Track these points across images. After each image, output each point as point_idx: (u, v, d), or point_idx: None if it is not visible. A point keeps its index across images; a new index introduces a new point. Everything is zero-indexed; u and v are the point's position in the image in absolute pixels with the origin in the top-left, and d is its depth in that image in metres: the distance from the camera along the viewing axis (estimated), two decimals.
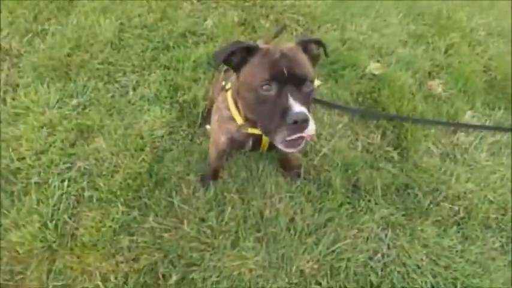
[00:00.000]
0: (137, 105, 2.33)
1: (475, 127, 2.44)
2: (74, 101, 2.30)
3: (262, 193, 2.09)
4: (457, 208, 2.13)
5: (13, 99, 2.29)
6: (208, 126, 2.29)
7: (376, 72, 2.60)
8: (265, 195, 2.09)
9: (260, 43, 1.60)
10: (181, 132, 2.27)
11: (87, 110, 2.28)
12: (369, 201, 2.12)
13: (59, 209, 1.90)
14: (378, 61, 2.68)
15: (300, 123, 1.22)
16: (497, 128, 2.46)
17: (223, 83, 1.70)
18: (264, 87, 1.27)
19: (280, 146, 1.29)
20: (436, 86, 2.61)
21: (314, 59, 1.43)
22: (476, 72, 2.68)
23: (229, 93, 1.59)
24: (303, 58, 1.35)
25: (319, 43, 1.44)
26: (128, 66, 2.48)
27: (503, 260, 1.98)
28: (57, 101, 2.28)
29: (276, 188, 2.11)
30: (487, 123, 2.50)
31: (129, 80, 2.44)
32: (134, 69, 2.49)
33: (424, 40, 2.83)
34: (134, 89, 2.42)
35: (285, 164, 2.16)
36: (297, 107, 1.22)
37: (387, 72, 2.60)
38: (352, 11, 2.87)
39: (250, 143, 1.64)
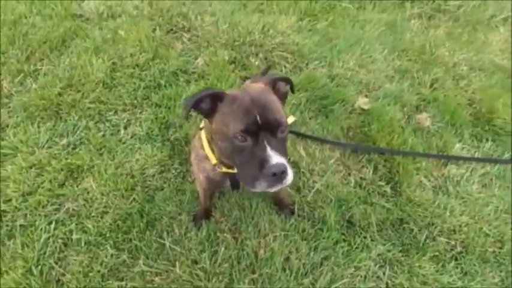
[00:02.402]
0: (128, 144, 2.32)
1: (474, 159, 2.46)
2: (64, 141, 2.28)
3: (256, 232, 2.05)
4: (453, 242, 2.11)
5: (2, 139, 2.26)
6: None
7: (365, 107, 2.64)
8: (259, 234, 2.05)
9: (248, 83, 1.61)
10: (173, 171, 2.24)
11: (77, 150, 2.26)
12: (365, 237, 2.09)
13: (45, 253, 1.83)
14: (366, 96, 2.74)
15: (279, 175, 1.21)
16: (496, 160, 2.49)
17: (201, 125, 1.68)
18: (239, 137, 1.25)
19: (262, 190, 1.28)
20: (424, 119, 2.66)
21: (283, 97, 1.44)
22: (462, 105, 2.75)
23: (203, 133, 1.56)
24: (274, 100, 1.34)
25: (286, 80, 1.45)
26: (119, 104, 2.49)
27: None
28: (47, 141, 2.26)
29: (270, 226, 2.08)
30: (476, 155, 2.53)
31: (120, 119, 2.44)
32: (126, 107, 2.49)
33: (410, 75, 2.92)
34: (125, 128, 2.41)
35: (278, 202, 2.13)
36: (276, 158, 1.20)
37: (376, 106, 2.65)
38: (339, 48, 2.97)
39: (228, 182, 1.61)
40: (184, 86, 2.63)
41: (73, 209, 2.01)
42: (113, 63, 2.69)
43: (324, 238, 2.04)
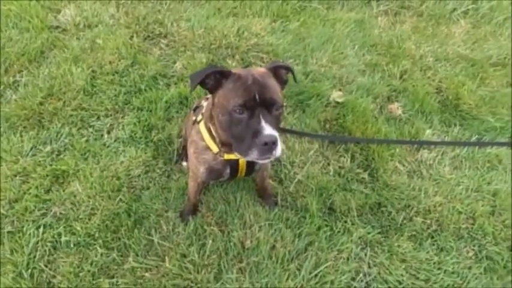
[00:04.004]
0: (112, 148, 2.37)
1: (475, 144, 2.61)
2: (48, 148, 2.31)
3: (241, 223, 2.12)
4: (429, 221, 2.23)
5: None
6: (184, 163, 2.34)
7: (340, 100, 2.77)
8: (244, 225, 2.12)
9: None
10: (158, 170, 2.30)
11: (61, 156, 2.29)
12: (346, 222, 2.19)
13: (34, 257, 1.86)
14: (340, 90, 2.86)
15: (270, 145, 1.34)
16: (496, 144, 2.63)
17: (194, 118, 1.79)
18: (237, 110, 1.38)
19: (254, 160, 1.41)
20: (396, 108, 2.80)
21: (283, 84, 1.57)
22: (430, 94, 2.91)
23: (201, 125, 1.68)
24: (273, 83, 1.48)
25: (288, 69, 1.58)
26: (101, 110, 2.54)
27: (479, 268, 2.05)
28: (31, 149, 2.29)
29: (255, 218, 2.15)
30: (446, 139, 2.68)
31: (103, 124, 2.48)
32: (108, 113, 2.54)
33: (380, 68, 3.07)
34: (109, 132, 2.46)
35: (262, 193, 2.21)
36: (268, 130, 1.34)
37: (350, 99, 2.77)
38: (311, 46, 3.10)
39: (228, 170, 1.72)
40: (164, 89, 2.70)
41: (60, 213, 2.04)
42: (93, 71, 2.74)
43: (307, 225, 2.13)
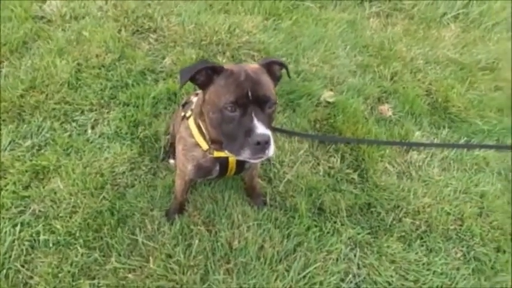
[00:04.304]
0: (96, 143, 2.28)
1: (477, 146, 2.62)
2: (28, 142, 2.21)
3: (229, 223, 2.07)
4: (418, 222, 2.22)
5: None
6: (171, 161, 2.28)
7: (330, 100, 2.74)
8: (232, 225, 2.07)
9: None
10: (144, 168, 2.23)
11: (42, 151, 2.19)
12: (335, 222, 2.16)
13: (10, 257, 1.77)
14: (331, 90, 2.84)
15: (263, 144, 1.29)
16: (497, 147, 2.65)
17: (183, 114, 1.73)
18: (229, 108, 1.33)
19: (246, 159, 1.37)
20: (386, 110, 2.79)
21: (276, 80, 1.52)
22: (420, 96, 2.91)
23: (190, 121, 1.62)
24: (266, 79, 1.43)
25: (281, 65, 1.53)
26: (85, 105, 2.45)
27: (467, 269, 2.05)
28: (9, 143, 2.19)
29: (243, 217, 2.10)
30: (435, 141, 2.69)
31: (87, 119, 2.40)
32: (92, 107, 2.46)
33: (371, 69, 3.06)
34: (93, 127, 2.38)
35: (251, 192, 2.16)
36: (261, 128, 1.29)
37: (340, 99, 2.75)
38: (303, 45, 3.07)
39: (217, 168, 1.66)
40: (152, 84, 2.63)
41: (40, 211, 1.95)
42: (78, 64, 2.64)
43: (296, 225, 2.09)
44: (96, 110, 2.45)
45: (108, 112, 2.45)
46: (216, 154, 1.58)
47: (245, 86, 1.33)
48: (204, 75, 1.40)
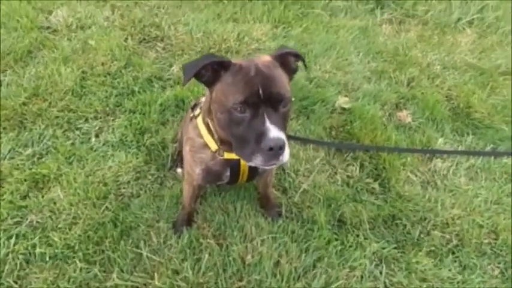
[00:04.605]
0: (100, 152, 2.16)
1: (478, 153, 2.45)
2: (29, 151, 2.09)
3: (241, 236, 1.90)
4: (448, 236, 2.03)
5: None
6: (179, 170, 2.14)
7: (346, 106, 2.61)
8: (245, 238, 1.90)
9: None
10: (150, 177, 2.09)
11: (43, 159, 2.07)
12: (357, 235, 1.97)
13: (3, 271, 1.61)
14: (346, 96, 2.71)
15: (276, 150, 1.14)
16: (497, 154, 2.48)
17: (192, 114, 1.58)
18: (238, 108, 1.18)
19: (258, 166, 1.22)
20: (405, 116, 2.64)
21: (291, 73, 1.35)
22: (440, 101, 2.76)
23: (199, 120, 1.47)
24: (280, 74, 1.26)
25: (297, 55, 1.35)
26: (90, 112, 2.34)
27: None
28: (9, 151, 2.07)
29: (257, 230, 1.93)
30: (460, 149, 2.52)
31: (91, 127, 2.28)
32: (97, 115, 2.34)
33: (386, 75, 2.93)
34: (97, 136, 2.26)
35: (265, 203, 2.00)
36: (274, 132, 1.14)
37: (356, 105, 2.61)
38: (315, 52, 2.97)
39: (228, 172, 1.51)
40: (159, 92, 2.52)
41: (37, 222, 1.80)
42: (83, 71, 2.56)
43: (315, 238, 1.91)
44: (100, 117, 2.34)
45: (113, 120, 2.34)
46: (227, 156, 1.43)
47: (255, 83, 1.17)
48: (210, 70, 1.24)
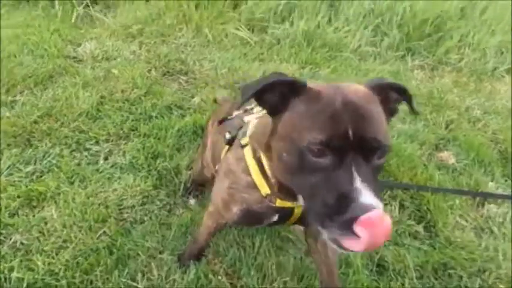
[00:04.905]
0: (106, 173, 1.94)
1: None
2: (30, 168, 1.90)
3: (260, 277, 1.58)
4: None
5: None
6: (192, 201, 1.89)
7: None
8: (264, 279, 1.57)
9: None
10: (158, 202, 1.83)
11: (43, 177, 1.86)
12: (403, 284, 1.62)
13: None
14: None
15: None
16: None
17: (228, 135, 1.24)
18: (316, 150, 0.82)
19: (331, 240, 0.82)
20: (448, 157, 2.36)
21: (390, 115, 0.97)
22: (485, 144, 2.49)
23: (247, 152, 1.11)
24: (378, 112, 0.88)
25: (401, 91, 0.99)
26: (102, 135, 2.17)
27: None
28: (8, 167, 1.88)
29: (278, 270, 1.60)
30: None
31: (101, 149, 2.10)
32: (109, 138, 2.17)
33: (422, 117, 2.71)
34: (106, 158, 2.06)
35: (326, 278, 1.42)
36: (367, 196, 0.76)
37: (392, 143, 2.36)
38: None
39: (276, 218, 1.15)
40: (178, 119, 2.36)
41: (21, 243, 1.54)
42: (101, 96, 2.45)
43: (350, 284, 1.56)
44: (112, 140, 2.16)
45: (125, 143, 2.16)
46: (279, 204, 1.09)
47: (343, 120, 0.82)
48: (277, 94, 0.91)
